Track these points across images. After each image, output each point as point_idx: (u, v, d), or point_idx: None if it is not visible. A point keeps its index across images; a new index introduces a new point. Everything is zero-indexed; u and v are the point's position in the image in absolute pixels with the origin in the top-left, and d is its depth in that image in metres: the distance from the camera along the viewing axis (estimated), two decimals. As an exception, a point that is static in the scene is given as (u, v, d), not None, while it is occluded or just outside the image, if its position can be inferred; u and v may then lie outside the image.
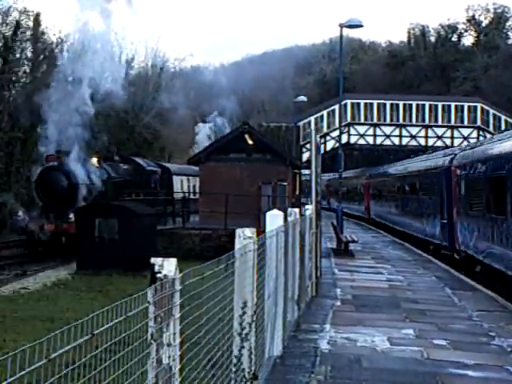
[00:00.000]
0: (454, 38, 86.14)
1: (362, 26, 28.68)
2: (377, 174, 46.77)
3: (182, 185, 44.50)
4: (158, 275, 3.95)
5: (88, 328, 2.88)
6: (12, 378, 2.21)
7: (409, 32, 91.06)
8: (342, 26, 29.17)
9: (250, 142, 33.88)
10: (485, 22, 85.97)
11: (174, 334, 4.03)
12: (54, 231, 28.27)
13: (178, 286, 4.07)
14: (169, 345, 3.97)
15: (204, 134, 69.23)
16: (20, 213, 29.79)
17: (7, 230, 36.22)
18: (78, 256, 23.76)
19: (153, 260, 4.01)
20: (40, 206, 30.07)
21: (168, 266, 4.00)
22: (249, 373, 6.78)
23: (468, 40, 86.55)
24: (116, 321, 3.10)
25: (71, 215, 27.81)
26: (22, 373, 2.28)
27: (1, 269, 25.49)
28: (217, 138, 65.35)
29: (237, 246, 6.60)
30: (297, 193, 41.95)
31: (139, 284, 20.17)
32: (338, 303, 14.72)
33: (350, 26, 29.14)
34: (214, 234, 29.06)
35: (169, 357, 3.98)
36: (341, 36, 30.53)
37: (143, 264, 22.80)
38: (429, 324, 12.50)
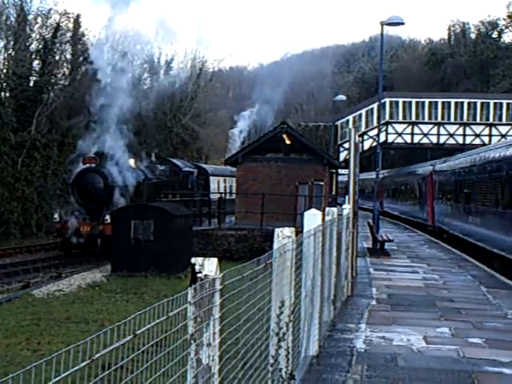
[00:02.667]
0: (495, 35, 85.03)
1: (403, 23, 28.49)
2: (447, 167, 33.64)
3: (219, 185, 44.63)
4: (199, 275, 3.97)
5: (129, 329, 2.90)
6: (57, 378, 2.23)
7: (449, 29, 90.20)
8: (383, 23, 29.01)
9: (288, 142, 33.81)
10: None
11: (214, 333, 4.04)
12: (90, 233, 28.42)
13: (218, 286, 4.09)
14: (208, 345, 3.98)
15: (244, 122, 68.47)
16: (56, 215, 30.00)
17: (43, 232, 36.58)
18: (113, 258, 23.77)
19: (193, 260, 4.03)
20: (76, 208, 30.21)
21: (209, 266, 4.02)
22: (286, 373, 6.78)
23: (509, 37, 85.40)
24: (158, 321, 3.12)
25: (107, 217, 27.94)
26: (67, 373, 2.31)
27: (36, 271, 25.73)
28: (257, 127, 64.85)
29: (275, 245, 6.60)
30: (333, 192, 41.80)
31: (174, 286, 20.38)
32: (374, 302, 14.65)
33: (392, 24, 28.96)
34: (250, 234, 29.05)
35: (208, 357, 4.00)
36: (382, 34, 30.29)
37: (178, 266, 22.98)
38: (464, 322, 12.47)
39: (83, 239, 28.44)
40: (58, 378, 2.22)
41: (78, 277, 22.48)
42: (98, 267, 25.17)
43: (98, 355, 2.50)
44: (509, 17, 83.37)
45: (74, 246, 29.02)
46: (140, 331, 2.89)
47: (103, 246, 27.45)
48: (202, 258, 4.07)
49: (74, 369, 2.34)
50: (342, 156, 55.94)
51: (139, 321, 2.99)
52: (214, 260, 4.09)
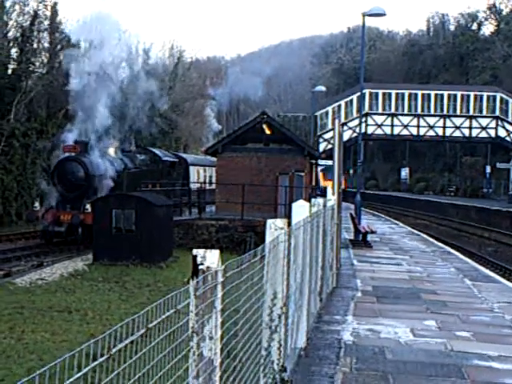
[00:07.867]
0: (474, 27, 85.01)
1: (384, 14, 28.23)
2: None
3: (199, 175, 44.53)
4: (201, 267, 3.89)
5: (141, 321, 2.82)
6: (77, 375, 2.16)
7: (428, 21, 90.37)
8: (364, 14, 28.77)
9: (268, 132, 33.72)
10: (505, 11, 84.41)
11: (216, 326, 3.98)
12: (70, 222, 28.26)
13: (220, 278, 4.01)
14: (210, 338, 3.92)
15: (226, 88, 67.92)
16: (36, 203, 29.74)
17: (23, 220, 36.29)
18: (94, 247, 23.69)
19: (195, 251, 3.95)
20: (56, 197, 30.00)
21: (211, 258, 3.94)
22: (278, 365, 6.73)
23: (488, 29, 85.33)
24: (167, 314, 3.06)
25: (88, 206, 27.81)
26: (86, 369, 2.23)
27: (17, 260, 25.47)
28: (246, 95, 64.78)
29: (268, 237, 6.53)
30: (313, 183, 41.83)
31: (155, 275, 20.32)
32: (359, 294, 14.64)
33: (373, 15, 28.69)
34: (231, 224, 28.92)
35: (210, 350, 3.92)
36: (363, 25, 30.07)
37: (159, 255, 22.92)
38: (450, 316, 12.41)
39: (63, 228, 28.26)
40: (78, 375, 2.14)
41: (60, 265, 22.31)
42: (80, 256, 25.04)
43: (114, 349, 2.42)
44: (488, 9, 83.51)
45: (55, 234, 28.83)
46: (152, 324, 2.83)
47: (84, 235, 27.33)
48: (203, 250, 3.98)
49: (94, 364, 2.27)
50: (322, 147, 56.04)
51: (149, 313, 2.92)
52: (216, 252, 4.02)
